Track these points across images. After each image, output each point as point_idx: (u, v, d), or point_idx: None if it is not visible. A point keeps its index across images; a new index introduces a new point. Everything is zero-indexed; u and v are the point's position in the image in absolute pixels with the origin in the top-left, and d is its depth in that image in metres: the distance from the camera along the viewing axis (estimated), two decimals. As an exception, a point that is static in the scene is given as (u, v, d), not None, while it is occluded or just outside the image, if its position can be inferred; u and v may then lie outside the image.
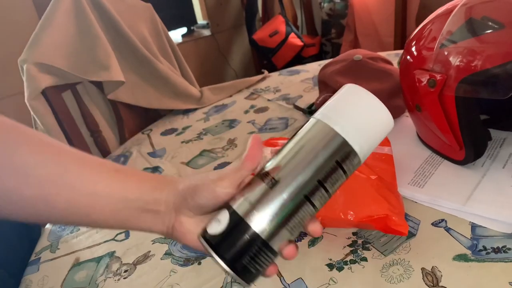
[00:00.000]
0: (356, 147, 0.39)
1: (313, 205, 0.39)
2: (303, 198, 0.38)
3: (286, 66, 1.49)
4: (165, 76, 1.21)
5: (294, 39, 2.74)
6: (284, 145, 0.41)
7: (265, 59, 2.85)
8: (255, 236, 0.38)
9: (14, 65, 1.01)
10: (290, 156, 0.39)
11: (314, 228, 0.40)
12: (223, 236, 0.38)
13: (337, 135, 0.39)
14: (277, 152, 0.41)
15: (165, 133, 1.13)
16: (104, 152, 1.16)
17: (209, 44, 2.87)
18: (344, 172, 0.39)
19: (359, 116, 0.39)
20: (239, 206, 0.39)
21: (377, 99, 0.40)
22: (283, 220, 0.38)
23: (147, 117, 1.28)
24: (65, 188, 0.41)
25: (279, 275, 0.54)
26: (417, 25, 0.74)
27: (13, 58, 1.11)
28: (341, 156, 0.38)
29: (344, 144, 0.38)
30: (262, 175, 0.39)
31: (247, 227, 0.38)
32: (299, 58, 2.75)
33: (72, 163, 0.43)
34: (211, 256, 0.39)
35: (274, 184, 0.38)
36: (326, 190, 0.39)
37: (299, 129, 0.41)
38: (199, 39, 2.85)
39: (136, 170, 0.47)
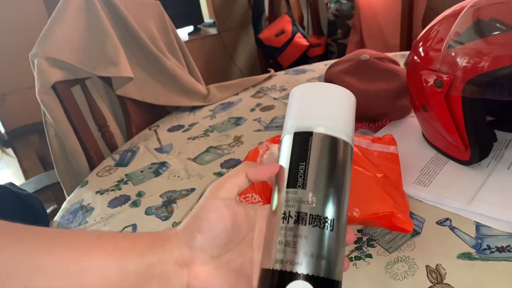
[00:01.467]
0: (347, 139, 0.38)
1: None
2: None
3: (291, 66, 1.50)
4: (172, 73, 1.22)
5: (300, 39, 2.74)
6: (281, 176, 0.38)
7: (270, 59, 2.85)
8: (337, 284, 0.35)
9: (23, 60, 1.02)
10: (315, 186, 0.36)
11: (350, 237, 0.39)
12: None
13: (335, 139, 0.37)
14: (278, 182, 0.38)
15: (172, 129, 1.14)
16: (112, 147, 1.17)
17: (215, 43, 2.88)
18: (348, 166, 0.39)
19: (332, 109, 0.39)
20: (307, 266, 0.34)
21: (330, 84, 0.40)
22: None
23: (154, 114, 1.29)
24: (41, 281, 0.33)
25: (285, 269, 0.55)
26: (423, 27, 0.74)
27: (22, 53, 1.13)
28: (345, 155, 0.38)
29: (342, 142, 0.38)
30: (299, 217, 0.35)
31: (334, 283, 0.35)
32: (305, 58, 2.75)
33: (36, 245, 0.34)
34: None
35: (328, 223, 0.35)
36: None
37: (287, 151, 0.39)
38: (205, 38, 2.86)
39: (122, 233, 0.39)
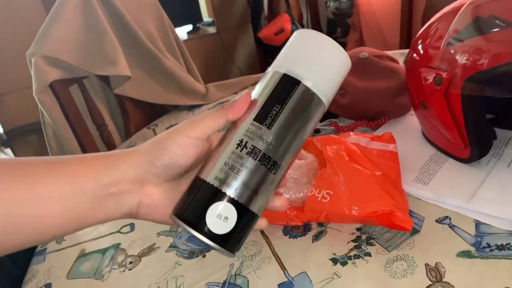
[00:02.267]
0: (326, 103, 0.41)
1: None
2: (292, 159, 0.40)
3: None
4: (171, 72, 1.22)
5: (299, 38, 2.73)
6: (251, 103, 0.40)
7: (270, 58, 2.85)
8: (256, 218, 0.39)
9: (21, 60, 1.02)
10: (276, 130, 0.38)
11: (280, 203, 0.41)
12: (232, 233, 0.37)
13: (317, 99, 0.39)
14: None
15: (170, 128, 1.13)
16: (110, 146, 1.17)
17: (214, 42, 2.88)
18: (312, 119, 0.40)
19: (328, 69, 0.40)
20: (240, 194, 0.37)
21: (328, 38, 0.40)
22: (271, 192, 0.39)
23: (152, 113, 1.29)
24: None
25: (283, 268, 0.55)
26: (422, 26, 0.74)
27: (20, 53, 1.12)
28: (317, 116, 0.40)
29: (322, 104, 0.40)
30: (253, 151, 0.37)
31: (255, 217, 0.39)
32: (304, 57, 2.74)
33: None
34: (210, 247, 0.37)
35: (274, 167, 0.38)
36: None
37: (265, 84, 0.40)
38: (204, 37, 2.85)
39: (74, 156, 0.39)
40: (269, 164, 0.38)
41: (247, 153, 0.37)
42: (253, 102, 0.39)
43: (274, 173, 0.38)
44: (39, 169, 0.36)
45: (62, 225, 0.36)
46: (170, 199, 0.39)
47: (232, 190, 0.37)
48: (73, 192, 0.35)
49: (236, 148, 0.37)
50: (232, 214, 0.37)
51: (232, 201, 0.37)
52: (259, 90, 0.40)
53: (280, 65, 0.40)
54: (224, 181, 0.37)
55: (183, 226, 0.36)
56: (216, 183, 0.37)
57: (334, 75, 0.41)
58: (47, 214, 0.35)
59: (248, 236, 0.39)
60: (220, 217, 0.36)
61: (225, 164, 0.37)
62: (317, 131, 0.88)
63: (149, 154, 0.38)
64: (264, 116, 0.38)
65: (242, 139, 0.37)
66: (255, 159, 0.37)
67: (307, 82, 0.39)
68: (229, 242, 0.37)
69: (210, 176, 0.37)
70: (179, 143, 0.37)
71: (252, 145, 0.37)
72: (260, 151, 0.37)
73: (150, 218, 0.40)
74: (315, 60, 0.40)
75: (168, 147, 0.37)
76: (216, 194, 0.37)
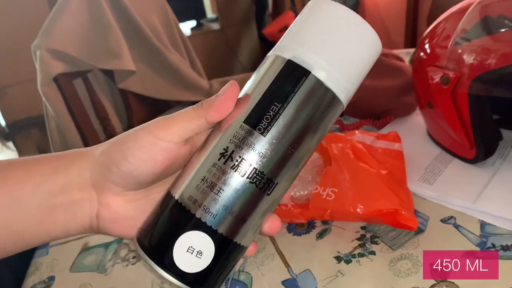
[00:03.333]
0: (345, 101, 0.31)
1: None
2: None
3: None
4: (175, 67, 1.22)
5: (303, 35, 2.73)
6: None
7: (273, 55, 2.84)
8: (241, 250, 0.30)
9: (24, 53, 1.02)
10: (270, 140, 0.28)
11: (272, 224, 0.32)
12: (207, 272, 0.28)
13: (333, 96, 0.29)
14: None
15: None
16: (113, 140, 1.17)
17: (218, 38, 2.87)
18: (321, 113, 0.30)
19: (350, 55, 0.30)
20: (221, 222, 0.28)
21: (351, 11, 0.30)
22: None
23: (155, 108, 1.29)
24: None
25: (287, 265, 0.55)
26: (428, 25, 0.73)
27: (24, 46, 1.12)
28: (332, 120, 0.31)
29: (339, 104, 0.30)
30: (240, 165, 0.28)
31: (240, 250, 0.30)
32: (308, 55, 2.74)
33: None
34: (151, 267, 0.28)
35: (269, 187, 0.29)
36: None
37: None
38: (208, 33, 2.85)
39: (17, 159, 0.32)
40: (261, 182, 0.28)
41: (232, 167, 0.28)
42: (244, 98, 0.30)
43: (268, 194, 0.29)
44: None
45: (2, 243, 0.30)
46: (136, 210, 0.31)
47: (209, 216, 0.28)
48: (10, 202, 0.29)
49: (219, 160, 0.28)
50: (208, 248, 0.28)
51: (209, 230, 0.28)
52: (254, 81, 0.31)
53: (284, 47, 0.30)
54: (200, 203, 0.28)
55: (144, 258, 0.28)
56: (189, 205, 0.28)
57: (357, 64, 0.31)
58: None
59: (230, 273, 0.31)
60: (192, 251, 0.27)
61: (202, 180, 0.28)
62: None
63: (106, 156, 0.30)
64: (258, 117, 0.28)
65: (227, 147, 0.28)
66: (242, 176, 0.28)
67: (320, 73, 0.29)
68: (203, 283, 0.28)
69: (183, 194, 0.29)
70: (143, 144, 0.29)
71: (240, 156, 0.28)
72: (250, 164, 0.28)
73: (114, 233, 0.32)
74: (333, 42, 0.29)
75: (129, 148, 0.30)
76: (189, 220, 0.28)
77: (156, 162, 0.30)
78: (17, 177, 0.30)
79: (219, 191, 0.28)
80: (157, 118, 0.31)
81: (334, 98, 0.30)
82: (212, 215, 0.28)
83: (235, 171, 0.28)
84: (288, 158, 0.29)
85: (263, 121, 0.28)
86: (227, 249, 0.29)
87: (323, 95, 0.29)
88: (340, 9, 0.30)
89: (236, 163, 0.28)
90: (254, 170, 0.28)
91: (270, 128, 0.28)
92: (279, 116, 0.28)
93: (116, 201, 0.31)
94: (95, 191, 0.30)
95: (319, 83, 0.29)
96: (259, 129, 0.28)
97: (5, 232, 0.29)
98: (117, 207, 0.31)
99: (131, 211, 0.31)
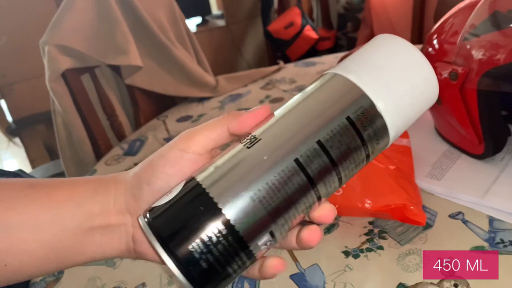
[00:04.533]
0: (379, 105, 0.28)
1: (309, 178, 0.27)
2: (293, 164, 0.27)
3: (300, 60, 1.49)
4: (181, 63, 1.22)
5: (309, 32, 2.72)
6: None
7: (279, 52, 2.84)
8: (223, 220, 0.26)
9: (31, 50, 1.02)
10: (282, 113, 0.29)
11: (322, 212, 0.29)
12: (172, 217, 0.26)
13: (355, 86, 0.28)
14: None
15: (180, 119, 1.13)
16: (120, 136, 1.17)
17: (223, 35, 2.87)
18: (362, 139, 0.28)
19: (390, 68, 0.29)
20: (200, 172, 0.28)
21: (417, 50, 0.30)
22: (263, 197, 0.26)
23: (162, 104, 1.29)
24: None
25: (295, 259, 0.55)
26: (435, 22, 0.73)
27: (30, 43, 1.13)
28: (355, 112, 0.28)
29: (363, 96, 0.28)
30: (241, 136, 0.29)
31: (211, 205, 0.26)
32: (314, 52, 2.73)
33: None
34: (153, 247, 0.26)
35: (253, 142, 0.27)
36: (332, 160, 0.27)
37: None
38: (213, 30, 2.84)
39: (61, 179, 0.32)
40: (249, 140, 0.28)
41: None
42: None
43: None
44: (16, 193, 0.29)
45: (40, 262, 0.29)
46: None
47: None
48: (52, 221, 0.29)
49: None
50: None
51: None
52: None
53: (348, 68, 0.30)
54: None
55: (149, 239, 0.26)
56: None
57: (415, 105, 0.30)
58: (20, 248, 0.28)
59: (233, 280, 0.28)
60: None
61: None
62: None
63: (137, 177, 0.30)
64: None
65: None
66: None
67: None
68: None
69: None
70: (169, 159, 0.29)
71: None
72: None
73: (148, 257, 0.32)
74: (397, 78, 0.29)
75: (157, 165, 0.30)
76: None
77: (183, 175, 0.29)
78: (62, 196, 0.30)
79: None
80: (182, 132, 0.31)
81: (385, 130, 0.29)
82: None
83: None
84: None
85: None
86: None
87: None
88: (408, 48, 0.30)
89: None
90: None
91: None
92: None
93: None
94: (129, 215, 0.30)
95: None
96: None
97: (44, 250, 0.29)
98: None
99: None
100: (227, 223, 0.26)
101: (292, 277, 0.52)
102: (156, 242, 0.26)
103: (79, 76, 1.07)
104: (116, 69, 1.15)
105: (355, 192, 0.57)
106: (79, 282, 0.59)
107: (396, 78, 0.29)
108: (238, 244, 0.26)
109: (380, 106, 0.28)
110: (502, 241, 0.51)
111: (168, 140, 1.00)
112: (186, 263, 0.25)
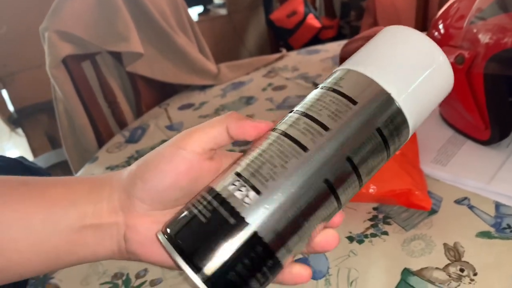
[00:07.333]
0: (407, 114, 0.28)
1: (337, 197, 0.27)
2: (323, 185, 0.26)
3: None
4: (183, 51, 1.21)
5: (312, 21, 2.69)
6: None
7: (281, 41, 2.82)
8: (251, 234, 0.25)
9: (32, 39, 1.01)
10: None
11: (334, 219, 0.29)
12: (200, 235, 0.26)
13: (383, 92, 0.28)
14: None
15: (182, 107, 1.13)
16: (121, 124, 1.17)
17: (225, 24, 2.85)
18: (388, 148, 0.28)
19: (406, 61, 0.30)
20: (228, 183, 0.27)
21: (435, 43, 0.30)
22: (289, 210, 0.26)
23: (164, 92, 1.28)
24: None
25: (298, 245, 0.54)
26: (439, 9, 0.72)
27: (32, 32, 1.11)
28: (385, 123, 0.28)
29: (392, 104, 0.28)
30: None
31: (242, 223, 0.25)
32: (316, 41, 2.71)
33: None
34: (177, 264, 0.26)
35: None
36: (358, 175, 0.28)
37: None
38: (215, 19, 2.82)
39: (56, 177, 0.32)
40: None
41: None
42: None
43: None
44: (9, 191, 0.29)
45: (30, 262, 0.29)
46: None
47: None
48: (45, 219, 0.28)
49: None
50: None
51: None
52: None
53: (360, 62, 0.30)
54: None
55: (172, 255, 0.26)
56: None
57: (431, 96, 0.31)
58: (9, 248, 0.28)
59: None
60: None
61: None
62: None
63: (132, 173, 0.30)
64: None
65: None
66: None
67: (407, 113, 0.28)
68: None
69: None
70: (165, 155, 0.29)
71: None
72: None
73: (143, 257, 0.31)
74: (411, 70, 0.29)
75: (152, 161, 0.29)
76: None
77: (178, 173, 0.29)
78: (56, 194, 0.30)
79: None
80: (182, 131, 0.31)
81: (404, 121, 0.29)
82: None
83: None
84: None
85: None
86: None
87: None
88: (424, 41, 0.30)
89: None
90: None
91: None
92: None
93: (143, 222, 0.30)
94: (122, 213, 0.30)
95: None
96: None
97: (35, 250, 0.28)
98: (143, 229, 0.30)
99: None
100: (254, 237, 0.25)
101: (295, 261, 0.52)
102: (179, 258, 0.25)
103: (80, 63, 1.06)
104: (117, 56, 1.14)
105: (360, 177, 0.57)
106: (80, 268, 0.59)
107: (420, 88, 0.29)
108: (266, 256, 0.26)
109: (408, 115, 0.28)
110: (509, 226, 0.51)
111: (170, 128, 1.00)
112: (213, 279, 0.25)
